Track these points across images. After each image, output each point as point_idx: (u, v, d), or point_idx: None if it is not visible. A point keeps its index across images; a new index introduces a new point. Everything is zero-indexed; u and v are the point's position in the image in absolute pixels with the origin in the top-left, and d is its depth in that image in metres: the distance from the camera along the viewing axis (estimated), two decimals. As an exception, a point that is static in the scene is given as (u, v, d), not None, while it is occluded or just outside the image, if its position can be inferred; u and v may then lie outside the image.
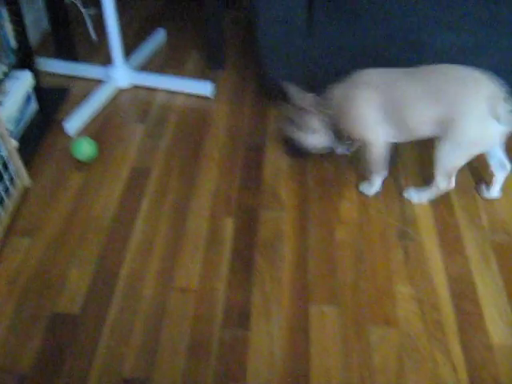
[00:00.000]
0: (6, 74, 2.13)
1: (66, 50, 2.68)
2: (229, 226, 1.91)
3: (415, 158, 2.16)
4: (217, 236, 1.88)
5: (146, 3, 3.28)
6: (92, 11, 2.93)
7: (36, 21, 2.88)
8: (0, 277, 1.77)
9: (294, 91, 2.01)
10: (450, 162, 1.85)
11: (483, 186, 2.03)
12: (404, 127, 1.86)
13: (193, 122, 2.27)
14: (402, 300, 1.69)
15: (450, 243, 1.85)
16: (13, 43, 2.19)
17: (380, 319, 1.64)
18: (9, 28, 2.15)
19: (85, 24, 2.86)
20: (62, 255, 1.83)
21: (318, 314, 1.65)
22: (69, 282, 1.75)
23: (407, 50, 2.11)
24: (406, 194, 2.02)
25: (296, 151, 2.14)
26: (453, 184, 1.92)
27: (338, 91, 1.96)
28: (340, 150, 2.14)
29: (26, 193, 2.04)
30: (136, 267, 1.78)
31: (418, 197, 2.00)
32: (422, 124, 1.83)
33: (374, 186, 2.02)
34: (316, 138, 2.04)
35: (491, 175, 2.00)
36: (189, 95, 2.49)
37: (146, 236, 1.88)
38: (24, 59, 2.28)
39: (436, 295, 1.70)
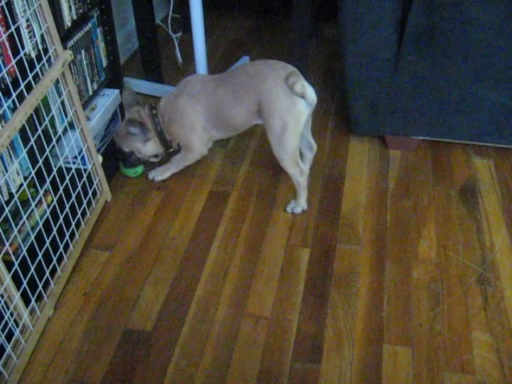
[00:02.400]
0: (94, 91, 2.20)
1: (153, 71, 2.76)
2: (304, 256, 1.90)
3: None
4: (292, 265, 1.87)
5: (231, 29, 3.35)
6: (179, 35, 3.00)
7: (124, 41, 2.97)
8: (77, 288, 1.81)
9: (127, 101, 2.18)
10: (285, 145, 1.96)
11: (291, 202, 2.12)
12: (230, 126, 2.07)
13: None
14: (479, 347, 1.63)
15: (532, 293, 1.79)
16: (104, 62, 2.25)
17: (455, 365, 1.58)
18: (102, 47, 2.22)
19: (171, 47, 2.93)
20: (138, 272, 1.85)
21: (391, 354, 1.61)
22: (143, 298, 1.77)
23: (498, 90, 2.07)
24: (288, 209, 2.09)
25: (129, 161, 2.21)
26: (304, 169, 2.03)
27: (165, 101, 2.13)
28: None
29: (106, 207, 2.09)
30: (210, 290, 1.79)
31: (299, 207, 2.08)
32: (245, 119, 2.03)
33: (165, 174, 2.22)
34: (149, 146, 2.16)
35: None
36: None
37: (221, 260, 1.89)
38: (113, 78, 2.34)
39: (515, 345, 1.64)
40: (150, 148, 2.16)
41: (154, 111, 2.12)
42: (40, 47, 1.74)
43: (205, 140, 2.12)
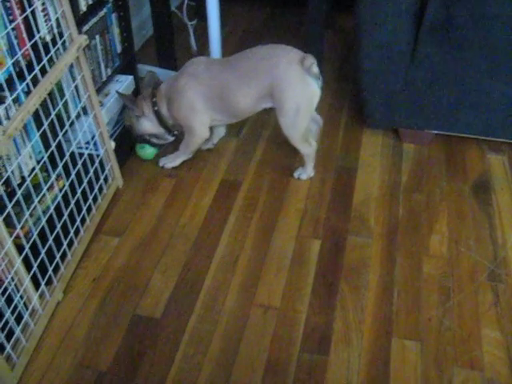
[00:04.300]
0: (108, 77, 2.19)
1: (167, 59, 2.75)
2: (315, 247, 1.89)
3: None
4: (302, 257, 1.86)
5: (246, 18, 3.33)
6: (193, 22, 2.98)
7: (139, 27, 2.96)
8: (87, 273, 1.81)
9: (147, 82, 2.21)
10: (297, 126, 1.99)
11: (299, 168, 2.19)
12: (234, 110, 2.05)
13: (285, 140, 2.27)
14: (489, 344, 1.62)
15: (544, 290, 1.78)
16: (118, 48, 2.25)
17: (464, 361, 1.57)
18: (116, 33, 2.21)
19: (186, 34, 2.92)
20: (148, 259, 1.85)
21: (400, 348, 1.60)
22: (152, 286, 1.77)
23: (513, 86, 2.05)
24: (295, 175, 2.17)
25: (133, 135, 2.24)
26: (314, 145, 2.11)
27: (167, 82, 2.13)
28: (170, 138, 2.26)
29: (117, 193, 2.09)
30: (219, 279, 1.79)
31: (306, 174, 2.16)
32: (252, 104, 2.02)
33: (175, 161, 2.22)
34: (142, 123, 2.17)
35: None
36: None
37: (231, 249, 1.88)
38: (127, 64, 2.34)
39: (525, 343, 1.63)
40: (143, 125, 2.17)
41: (154, 91, 2.13)
42: (55, 31, 1.73)
43: (206, 122, 2.10)
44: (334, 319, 1.67)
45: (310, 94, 1.95)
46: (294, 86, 1.92)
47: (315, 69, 1.91)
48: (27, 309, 1.58)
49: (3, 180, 1.53)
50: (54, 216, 1.70)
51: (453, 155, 2.29)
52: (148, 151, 2.23)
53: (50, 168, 1.68)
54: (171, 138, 2.24)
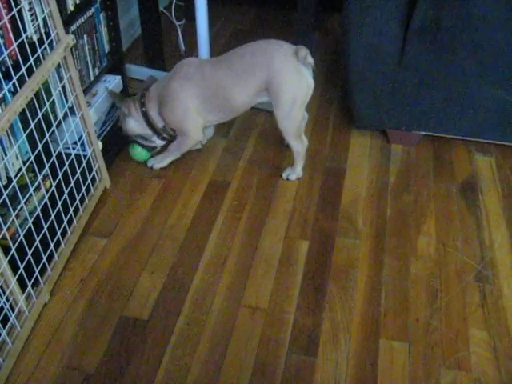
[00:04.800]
0: (96, 77, 2.18)
1: (155, 59, 2.74)
2: (303, 248, 1.89)
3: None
4: (290, 258, 1.86)
5: (235, 19, 3.33)
6: (182, 23, 2.98)
7: (127, 27, 2.95)
8: (74, 274, 1.80)
9: (146, 83, 2.19)
10: (292, 118, 2.01)
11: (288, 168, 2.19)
12: (230, 108, 2.05)
13: (274, 140, 2.27)
14: (476, 345, 1.62)
15: (531, 291, 1.79)
16: (106, 48, 2.24)
17: (451, 362, 1.58)
18: (104, 33, 2.20)
19: (174, 34, 2.91)
20: (136, 260, 1.85)
21: (388, 349, 1.60)
22: (140, 287, 1.76)
23: (502, 87, 2.06)
24: (284, 175, 2.17)
25: (127, 138, 2.22)
26: (306, 142, 2.12)
27: (158, 84, 2.12)
28: (159, 141, 2.21)
29: (105, 194, 2.08)
30: (207, 280, 1.78)
31: (295, 174, 2.16)
32: (248, 99, 2.03)
33: (163, 161, 2.20)
34: (128, 122, 2.15)
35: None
36: (271, 113, 2.49)
37: (219, 250, 1.88)
38: (115, 64, 2.33)
39: (512, 344, 1.64)
40: (129, 125, 2.15)
41: (144, 92, 2.12)
42: (42, 31, 1.72)
43: (199, 125, 2.09)
44: (321, 320, 1.67)
45: (306, 86, 1.97)
46: (290, 78, 1.94)
47: (310, 59, 1.94)
48: (13, 311, 1.57)
49: (-11, 181, 1.52)
50: (41, 217, 1.69)
51: (440, 156, 2.30)
52: (137, 151, 2.20)
53: (36, 169, 1.67)
54: (160, 142, 2.20)
